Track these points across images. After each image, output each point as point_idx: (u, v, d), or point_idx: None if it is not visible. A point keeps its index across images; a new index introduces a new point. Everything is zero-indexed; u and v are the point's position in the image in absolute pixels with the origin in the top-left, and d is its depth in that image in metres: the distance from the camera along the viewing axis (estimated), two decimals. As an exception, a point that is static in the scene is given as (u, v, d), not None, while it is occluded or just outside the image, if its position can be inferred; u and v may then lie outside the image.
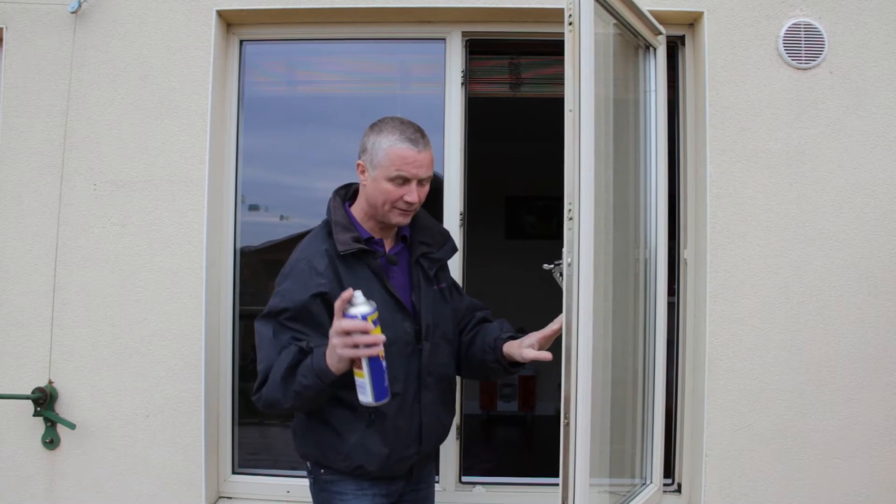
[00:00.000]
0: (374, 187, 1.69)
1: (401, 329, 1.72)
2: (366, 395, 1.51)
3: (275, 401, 1.60)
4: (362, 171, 1.73)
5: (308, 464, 1.79)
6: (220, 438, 2.44)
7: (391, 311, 1.70)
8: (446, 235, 1.91)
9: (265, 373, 1.61)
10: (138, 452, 2.32)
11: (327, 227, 1.74)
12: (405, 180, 1.67)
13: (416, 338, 1.75)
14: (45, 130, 2.35)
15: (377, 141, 1.68)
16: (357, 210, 1.78)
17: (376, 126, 1.72)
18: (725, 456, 2.27)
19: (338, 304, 1.47)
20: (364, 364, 1.49)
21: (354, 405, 1.56)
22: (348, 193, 1.83)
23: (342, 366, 1.51)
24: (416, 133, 1.69)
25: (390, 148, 1.66)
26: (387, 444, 1.70)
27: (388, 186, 1.67)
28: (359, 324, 1.45)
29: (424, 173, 1.70)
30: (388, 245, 1.81)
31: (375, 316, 1.48)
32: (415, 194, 1.69)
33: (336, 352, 1.48)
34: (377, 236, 1.77)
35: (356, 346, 1.46)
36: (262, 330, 1.65)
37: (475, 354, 1.85)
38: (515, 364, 1.79)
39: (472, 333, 1.89)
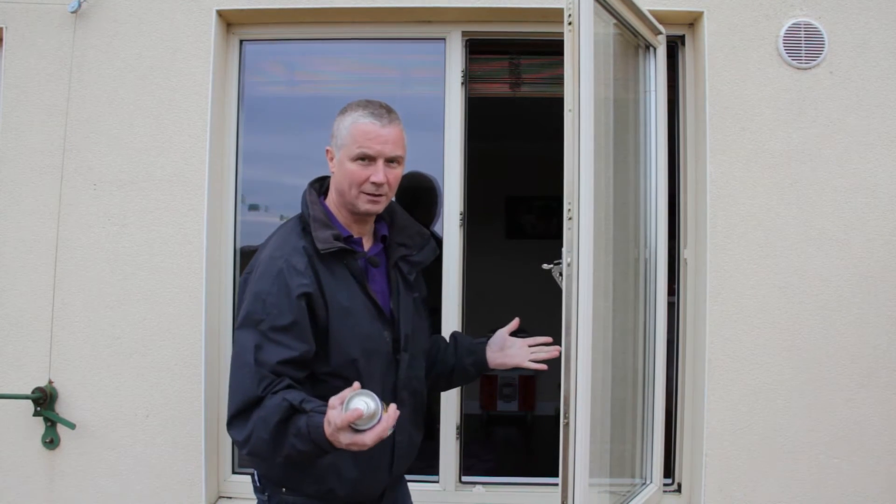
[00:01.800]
0: (340, 170, 1.58)
1: (381, 339, 1.61)
2: None
3: (262, 458, 1.48)
4: (331, 158, 1.62)
5: (259, 481, 1.63)
6: (220, 438, 2.44)
7: (371, 318, 1.59)
8: (426, 237, 1.75)
9: (243, 404, 1.43)
10: (138, 452, 2.32)
11: (302, 222, 1.60)
12: (370, 159, 1.55)
13: (393, 348, 1.63)
14: (45, 130, 2.35)
15: (341, 121, 1.59)
16: (331, 203, 1.64)
17: (342, 109, 1.62)
18: (725, 456, 2.27)
19: (336, 400, 1.33)
20: None
21: None
22: (323, 187, 1.69)
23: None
24: (381, 109, 1.58)
25: (353, 125, 1.56)
26: (358, 468, 1.56)
27: (353, 167, 1.55)
28: (378, 429, 1.31)
29: (391, 151, 1.56)
30: (366, 244, 1.68)
31: (383, 410, 1.34)
32: (381, 174, 1.55)
33: (343, 445, 1.33)
34: (356, 234, 1.64)
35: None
36: (244, 340, 1.47)
37: (447, 359, 1.83)
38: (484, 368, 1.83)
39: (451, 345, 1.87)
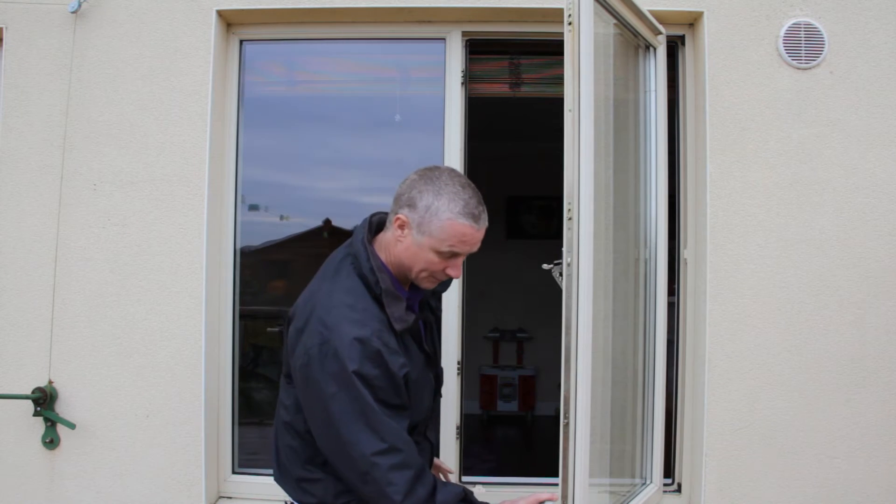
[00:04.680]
0: (416, 253, 1.50)
1: (430, 385, 1.63)
2: None
3: None
4: (401, 226, 1.50)
5: None
6: (220, 438, 2.44)
7: (423, 369, 1.59)
8: None
9: (414, 478, 1.44)
10: (138, 452, 2.32)
11: (364, 281, 1.51)
12: (455, 256, 1.51)
13: (434, 388, 1.68)
14: (45, 130, 2.35)
15: (434, 205, 1.46)
16: (382, 256, 1.56)
17: (433, 181, 1.48)
18: (725, 456, 2.27)
19: (538, 497, 1.57)
20: None
21: None
22: (372, 230, 1.61)
23: None
24: (480, 206, 1.50)
25: (450, 222, 1.46)
26: None
27: (434, 258, 1.49)
28: None
29: (476, 248, 1.53)
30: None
31: None
32: (459, 269, 1.53)
33: None
34: (407, 287, 1.60)
35: None
36: (389, 424, 1.43)
37: None
38: None
39: None
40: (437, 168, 1.53)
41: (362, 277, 1.51)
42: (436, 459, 1.92)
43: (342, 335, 1.42)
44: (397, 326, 1.48)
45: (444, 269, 1.51)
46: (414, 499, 1.43)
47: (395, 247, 1.53)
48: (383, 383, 1.42)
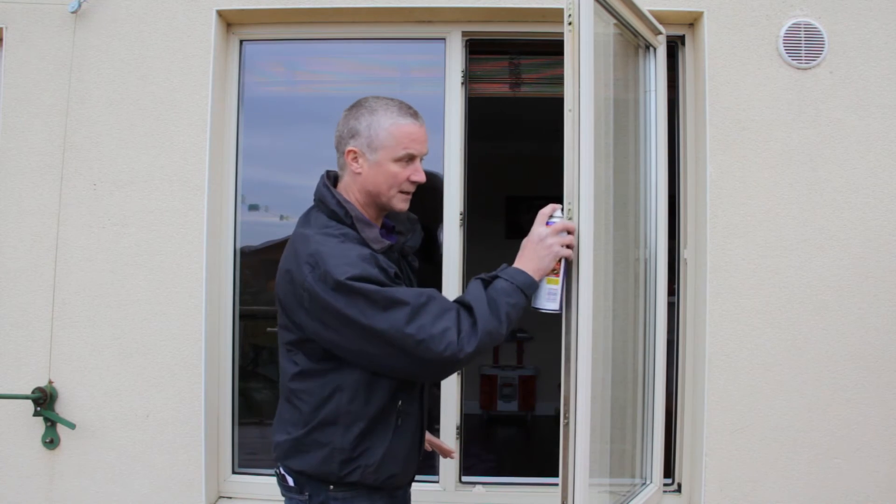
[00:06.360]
0: (378, 172, 1.55)
1: None
2: (555, 302, 1.57)
3: (496, 333, 1.45)
4: (354, 158, 1.56)
5: (294, 480, 1.57)
6: (220, 438, 2.44)
7: None
8: (414, 220, 1.76)
9: (458, 316, 1.43)
10: (138, 452, 2.32)
11: (336, 218, 1.55)
12: (412, 158, 1.56)
13: None
14: (45, 130, 2.35)
15: (374, 121, 1.54)
16: (351, 200, 1.59)
17: (363, 107, 1.56)
18: (725, 456, 2.27)
19: (543, 213, 1.57)
20: (562, 268, 1.57)
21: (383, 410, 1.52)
22: (332, 182, 1.64)
23: (544, 273, 1.55)
24: (411, 108, 1.59)
25: (393, 126, 1.53)
26: (415, 448, 1.64)
27: (395, 168, 1.54)
28: (573, 225, 1.56)
29: (427, 149, 1.60)
30: None
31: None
32: (422, 172, 1.58)
33: (552, 250, 1.53)
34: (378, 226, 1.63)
35: (569, 246, 1.55)
36: (404, 291, 1.44)
37: None
38: None
39: None
40: (360, 98, 1.61)
41: (332, 215, 1.56)
42: (432, 437, 1.90)
43: (327, 255, 1.46)
44: (376, 247, 1.52)
45: (408, 178, 1.57)
46: (465, 330, 1.42)
47: (357, 181, 1.58)
48: (382, 277, 1.45)
